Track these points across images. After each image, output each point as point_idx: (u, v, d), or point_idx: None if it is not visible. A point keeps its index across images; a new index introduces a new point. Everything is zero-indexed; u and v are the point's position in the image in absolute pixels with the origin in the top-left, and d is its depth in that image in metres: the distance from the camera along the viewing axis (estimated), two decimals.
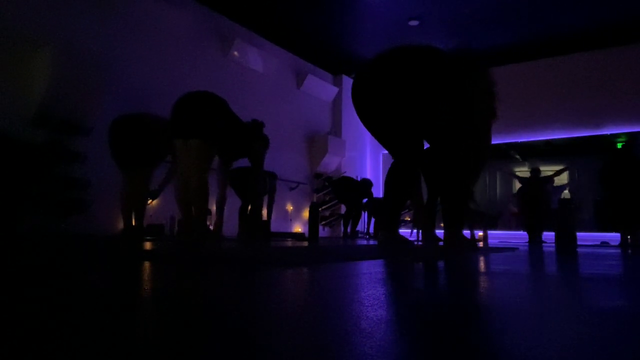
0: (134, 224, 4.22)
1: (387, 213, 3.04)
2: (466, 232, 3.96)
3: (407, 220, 10.25)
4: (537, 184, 6.63)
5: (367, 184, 7.97)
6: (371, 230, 9.82)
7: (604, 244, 6.45)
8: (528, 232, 6.60)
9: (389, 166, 3.09)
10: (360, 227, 8.76)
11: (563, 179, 8.80)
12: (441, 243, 3.22)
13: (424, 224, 3.94)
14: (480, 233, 8.28)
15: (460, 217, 2.99)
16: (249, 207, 6.12)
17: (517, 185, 7.39)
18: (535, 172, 6.81)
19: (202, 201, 3.42)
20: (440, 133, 2.91)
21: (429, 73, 2.79)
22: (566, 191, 8.43)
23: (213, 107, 3.48)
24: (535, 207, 6.41)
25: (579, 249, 3.83)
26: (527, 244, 5.84)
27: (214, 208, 4.83)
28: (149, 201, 4.64)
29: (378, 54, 2.95)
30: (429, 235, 4.01)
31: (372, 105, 2.92)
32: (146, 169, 4.07)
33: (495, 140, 9.78)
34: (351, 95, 3.01)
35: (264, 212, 5.74)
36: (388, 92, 2.81)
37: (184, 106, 3.46)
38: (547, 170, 7.16)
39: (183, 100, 3.51)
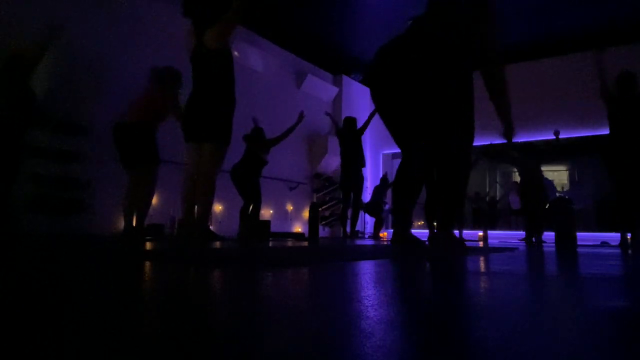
0: (134, 224, 4.21)
1: (398, 212, 3.06)
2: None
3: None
4: (536, 163, 6.60)
5: (349, 122, 7.21)
6: (368, 230, 9.84)
7: (604, 244, 6.44)
8: (526, 231, 6.53)
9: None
10: (359, 227, 8.75)
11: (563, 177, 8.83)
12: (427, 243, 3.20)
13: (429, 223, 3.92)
14: (480, 233, 8.29)
15: (452, 217, 2.96)
16: (250, 208, 6.15)
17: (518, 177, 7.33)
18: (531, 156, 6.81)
19: (208, 203, 3.43)
20: (446, 122, 2.87)
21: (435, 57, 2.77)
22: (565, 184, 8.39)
23: (224, 108, 3.43)
24: (535, 191, 6.35)
25: (579, 249, 3.83)
26: (525, 244, 5.81)
27: (217, 208, 4.83)
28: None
29: (387, 44, 2.92)
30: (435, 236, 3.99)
31: (386, 100, 2.90)
32: (151, 169, 4.05)
33: (495, 140, 9.81)
34: (368, 82, 3.00)
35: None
36: (399, 86, 2.79)
37: (195, 109, 3.41)
38: (547, 170, 7.14)
39: (194, 101, 3.44)
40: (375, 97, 2.97)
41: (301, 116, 6.36)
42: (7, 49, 4.45)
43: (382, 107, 2.97)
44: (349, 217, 7.25)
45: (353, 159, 7.05)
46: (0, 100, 4.09)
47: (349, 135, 7.14)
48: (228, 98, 3.43)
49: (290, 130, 6.41)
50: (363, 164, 7.18)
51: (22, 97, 4.19)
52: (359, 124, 7.33)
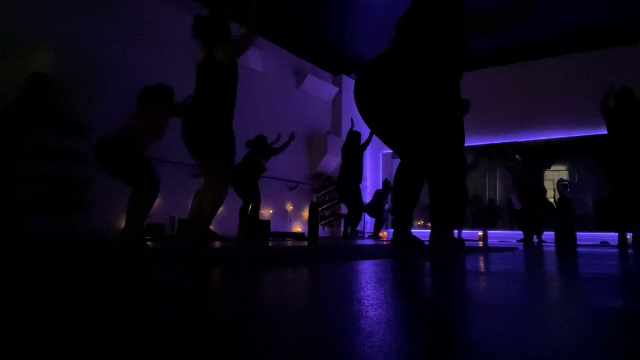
0: (135, 225, 4.19)
1: (398, 212, 3.08)
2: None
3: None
4: (535, 165, 6.58)
5: (353, 137, 7.11)
6: (368, 230, 9.84)
7: (604, 244, 6.44)
8: (525, 231, 6.49)
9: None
10: (359, 227, 8.75)
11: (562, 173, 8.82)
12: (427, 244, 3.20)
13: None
14: (480, 233, 8.29)
15: (450, 218, 2.95)
16: (250, 208, 6.17)
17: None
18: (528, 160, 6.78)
19: (214, 210, 3.51)
20: (432, 126, 2.86)
21: (421, 74, 2.77)
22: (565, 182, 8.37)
23: (223, 123, 3.44)
24: (535, 194, 6.34)
25: (579, 249, 3.83)
26: (524, 244, 5.80)
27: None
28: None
29: (375, 57, 2.95)
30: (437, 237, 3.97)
31: (375, 109, 2.93)
32: (148, 189, 3.96)
33: (495, 141, 9.81)
34: (354, 99, 3.01)
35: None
36: (388, 95, 2.81)
37: (195, 124, 3.44)
38: (547, 170, 7.12)
39: (193, 115, 3.46)
40: (362, 108, 2.97)
41: (292, 136, 6.56)
42: (31, 68, 4.64)
43: (370, 118, 2.98)
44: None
45: (351, 174, 7.01)
46: (23, 111, 4.18)
47: (353, 148, 7.09)
48: (227, 113, 3.47)
49: (285, 145, 6.56)
50: (360, 180, 7.16)
51: (42, 110, 4.28)
52: (358, 121, 7.30)
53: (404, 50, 2.86)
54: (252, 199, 6.08)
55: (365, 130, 7.20)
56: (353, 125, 7.23)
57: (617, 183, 5.18)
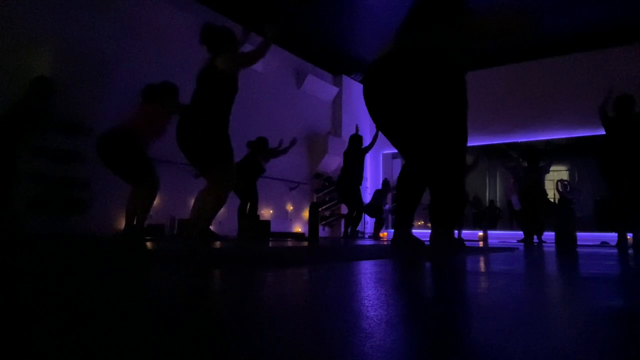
0: (135, 224, 4.20)
1: (399, 212, 3.08)
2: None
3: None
4: (535, 171, 6.56)
5: (354, 140, 7.23)
6: (368, 230, 9.85)
7: (604, 244, 6.44)
8: (525, 230, 6.49)
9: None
10: (359, 227, 8.74)
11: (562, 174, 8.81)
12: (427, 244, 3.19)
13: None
14: (480, 233, 8.29)
15: (451, 218, 2.94)
16: (248, 207, 6.18)
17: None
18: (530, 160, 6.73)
19: (215, 210, 3.53)
20: (435, 125, 2.86)
21: (430, 72, 2.77)
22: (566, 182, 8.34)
23: (213, 132, 3.44)
24: (535, 194, 6.34)
25: (579, 249, 3.83)
26: (524, 244, 5.80)
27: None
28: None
29: (381, 55, 2.95)
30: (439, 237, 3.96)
31: (377, 106, 2.93)
32: (147, 184, 3.97)
33: (495, 141, 9.80)
34: (363, 95, 3.02)
35: None
36: (390, 93, 2.81)
37: (187, 134, 3.45)
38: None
39: (185, 125, 3.47)
40: (370, 106, 2.98)
41: (294, 141, 6.61)
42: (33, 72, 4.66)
43: (378, 116, 2.99)
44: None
45: (351, 175, 7.01)
46: (23, 114, 4.20)
47: (354, 151, 7.09)
48: (221, 120, 3.48)
49: (285, 149, 6.61)
50: (360, 182, 7.17)
51: (43, 114, 4.32)
52: (358, 121, 7.35)
53: (407, 50, 2.86)
54: (250, 197, 6.10)
55: (366, 136, 7.23)
56: (357, 130, 7.31)
57: (616, 187, 5.18)
